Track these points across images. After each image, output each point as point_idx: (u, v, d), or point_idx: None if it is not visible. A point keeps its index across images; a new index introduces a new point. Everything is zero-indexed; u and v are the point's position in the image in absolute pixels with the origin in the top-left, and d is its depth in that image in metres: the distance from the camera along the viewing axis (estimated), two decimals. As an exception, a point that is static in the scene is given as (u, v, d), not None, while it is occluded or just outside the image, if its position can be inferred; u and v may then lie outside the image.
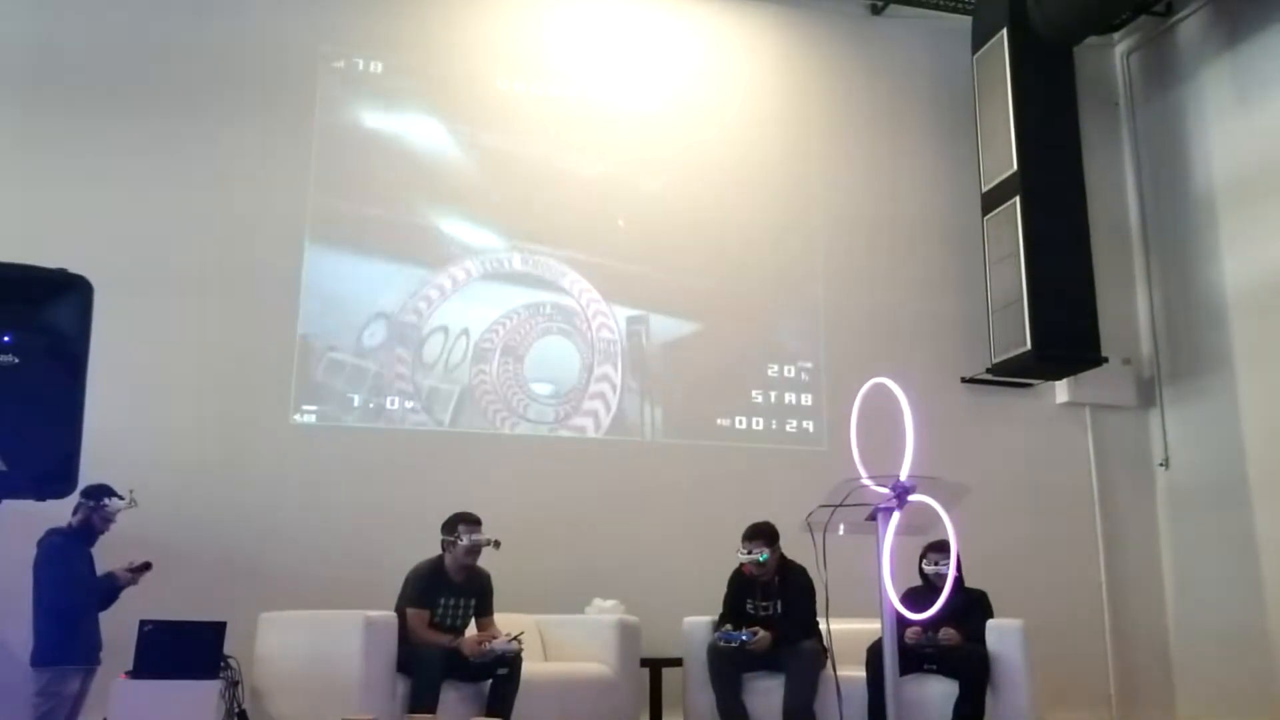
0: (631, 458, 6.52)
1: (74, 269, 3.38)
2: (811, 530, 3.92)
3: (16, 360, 3.21)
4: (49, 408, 3.26)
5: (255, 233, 6.21)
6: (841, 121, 7.52)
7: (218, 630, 3.76)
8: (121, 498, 4.54)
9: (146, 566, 4.58)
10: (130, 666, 3.75)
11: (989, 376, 7.18)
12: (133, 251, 5.87)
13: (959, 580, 5.11)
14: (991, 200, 7.21)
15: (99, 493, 4.50)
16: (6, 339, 3.19)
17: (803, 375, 7.00)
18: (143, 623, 3.71)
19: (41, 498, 3.25)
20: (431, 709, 4.22)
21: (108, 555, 4.68)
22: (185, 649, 3.70)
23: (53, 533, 4.48)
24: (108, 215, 5.93)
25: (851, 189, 7.40)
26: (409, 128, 6.67)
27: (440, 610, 4.82)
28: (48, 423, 3.24)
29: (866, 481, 3.75)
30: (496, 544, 4.86)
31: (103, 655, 4.38)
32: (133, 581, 4.56)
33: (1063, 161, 7.12)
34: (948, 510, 3.64)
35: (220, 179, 6.21)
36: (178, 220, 6.08)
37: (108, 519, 4.55)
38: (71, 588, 4.38)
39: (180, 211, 6.09)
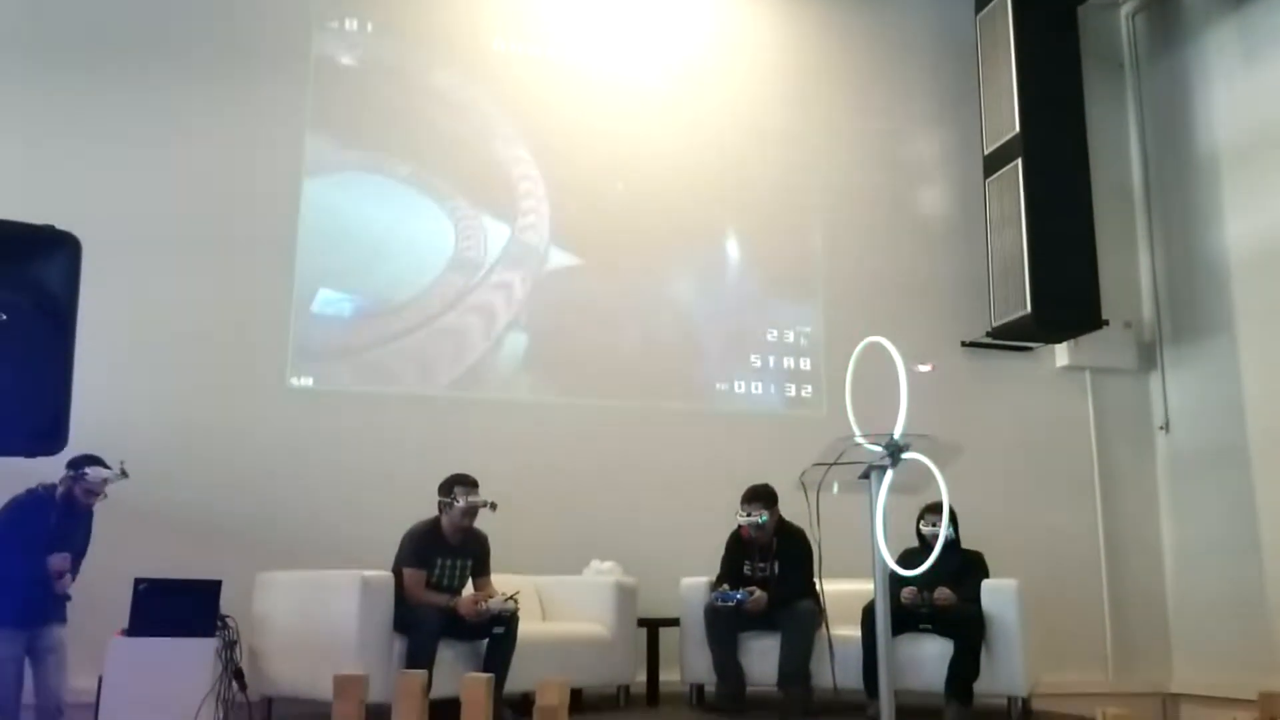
0: (630, 421, 6.51)
1: (68, 229, 3.36)
2: (805, 489, 3.92)
3: (3, 317, 3.20)
4: (37, 365, 3.24)
5: (251, 195, 6.17)
6: (842, 82, 7.45)
7: (213, 588, 3.76)
8: (108, 467, 4.37)
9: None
10: (126, 624, 3.76)
11: (989, 340, 7.16)
12: (128, 212, 5.84)
13: (955, 541, 5.13)
14: (993, 162, 7.15)
15: (81, 463, 4.32)
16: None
17: (802, 340, 6.98)
18: (138, 581, 3.71)
19: (31, 454, 3.25)
20: (427, 667, 4.23)
21: (105, 524, 4.68)
22: (181, 607, 3.71)
23: (27, 492, 4.34)
24: (103, 176, 5.89)
25: (852, 150, 7.35)
26: (404, 89, 6.61)
27: (437, 570, 4.84)
28: (36, 380, 3.23)
29: (860, 440, 3.73)
30: (493, 506, 4.87)
31: (97, 615, 4.33)
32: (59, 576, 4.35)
33: (1065, 123, 7.05)
34: (941, 469, 3.63)
35: (215, 141, 6.17)
36: (174, 182, 6.05)
37: (91, 490, 4.35)
38: (14, 549, 4.21)
39: (176, 174, 6.06)
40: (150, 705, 3.50)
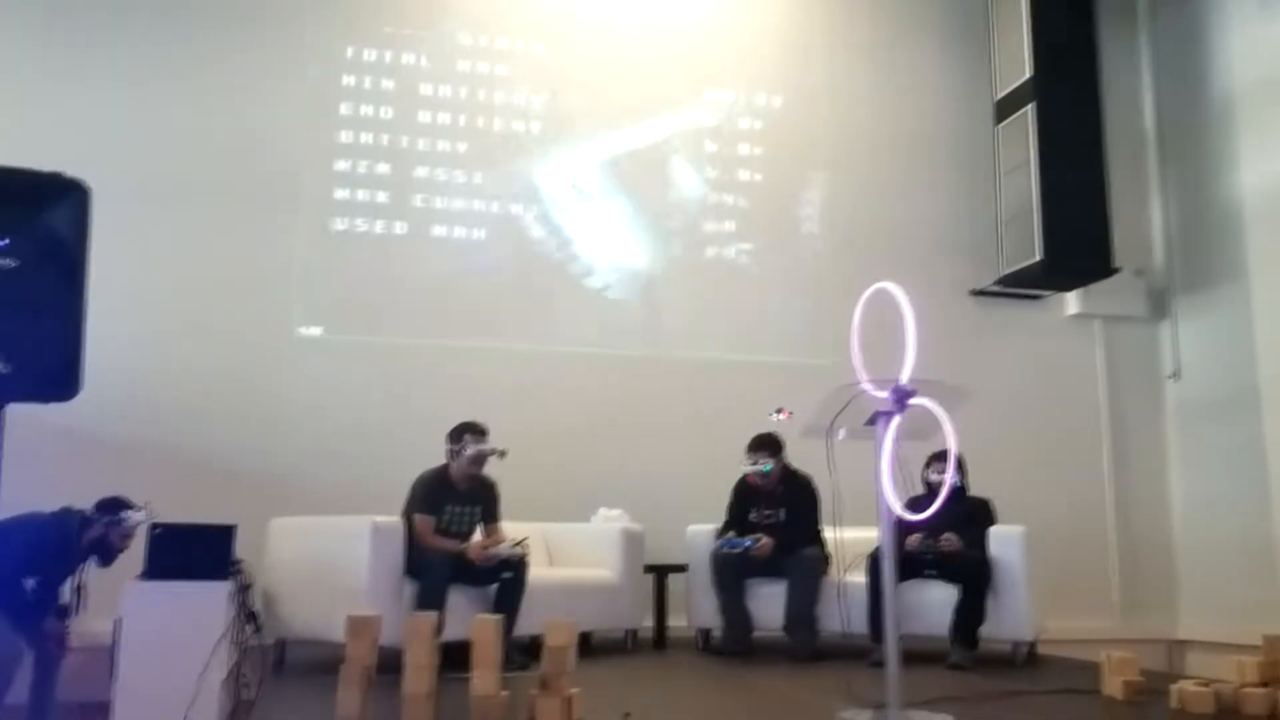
0: (638, 370, 6.53)
1: (86, 179, 3.37)
2: (816, 436, 3.91)
3: (15, 263, 3.22)
4: (50, 311, 3.27)
5: (264, 146, 6.19)
6: (848, 25, 7.35)
7: (227, 533, 3.79)
8: (140, 509, 4.13)
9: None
10: (141, 570, 3.81)
11: (998, 288, 7.12)
12: (143, 163, 5.88)
13: (962, 489, 5.15)
14: (1004, 108, 7.07)
15: (115, 506, 4.10)
16: (5, 242, 3.20)
17: (809, 288, 6.95)
18: (153, 525, 3.74)
19: (45, 400, 3.29)
20: (438, 611, 4.28)
21: (122, 470, 4.71)
22: (196, 551, 3.72)
23: (55, 518, 4.09)
24: (118, 127, 5.91)
25: (860, 96, 7.27)
26: (416, 34, 6.56)
27: (446, 517, 4.88)
28: (48, 326, 3.26)
29: (866, 386, 3.73)
30: (502, 453, 4.90)
31: (114, 564, 4.37)
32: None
33: (1079, 68, 6.95)
34: (949, 415, 3.63)
35: (229, 92, 6.18)
36: (188, 132, 6.06)
37: (128, 535, 4.11)
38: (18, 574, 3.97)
39: (191, 124, 6.08)
40: (166, 647, 3.53)
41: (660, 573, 5.74)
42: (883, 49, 7.38)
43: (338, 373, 6.06)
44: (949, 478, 3.79)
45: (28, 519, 4.19)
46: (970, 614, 4.93)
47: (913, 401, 3.66)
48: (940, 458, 5.08)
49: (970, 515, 5.14)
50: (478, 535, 4.97)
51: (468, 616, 3.98)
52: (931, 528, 4.87)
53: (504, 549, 4.72)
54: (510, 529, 5.02)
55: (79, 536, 4.15)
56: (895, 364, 3.64)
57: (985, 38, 7.29)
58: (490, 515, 5.04)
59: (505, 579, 4.73)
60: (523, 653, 4.59)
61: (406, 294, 6.30)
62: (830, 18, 7.34)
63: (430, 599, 4.45)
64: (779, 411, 4.22)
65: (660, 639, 5.69)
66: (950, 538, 5.01)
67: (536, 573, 4.91)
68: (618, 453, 6.25)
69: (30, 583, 4.14)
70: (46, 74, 5.91)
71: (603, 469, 6.15)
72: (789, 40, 7.23)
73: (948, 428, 3.64)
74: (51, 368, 3.27)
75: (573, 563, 5.50)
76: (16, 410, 3.35)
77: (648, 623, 5.66)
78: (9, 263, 3.21)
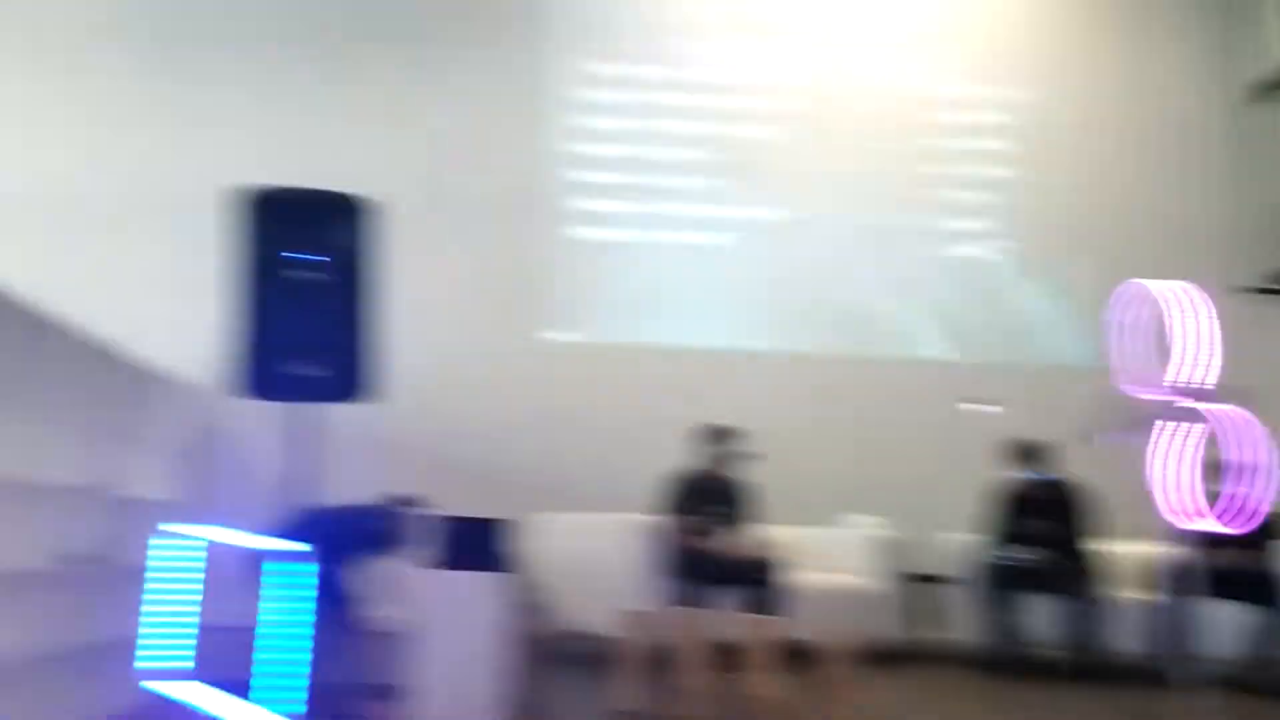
0: (895, 376, 6.40)
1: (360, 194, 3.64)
2: (1086, 443, 3.76)
3: (327, 278, 3.53)
4: (354, 321, 3.57)
5: (522, 159, 6.45)
6: (1096, 13, 6.97)
7: (509, 527, 3.95)
8: (421, 504, 4.39)
9: None
10: (429, 561, 4.03)
11: (1270, 285, 6.55)
12: (415, 179, 6.11)
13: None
14: (1267, 92, 6.53)
15: (400, 501, 4.40)
16: (320, 258, 3.51)
17: (1063, 285, 6.64)
18: (439, 518, 3.96)
19: (352, 401, 3.60)
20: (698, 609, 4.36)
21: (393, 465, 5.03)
22: (478, 544, 3.89)
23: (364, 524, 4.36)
24: (393, 144, 6.30)
25: (1108, 86, 6.86)
26: (654, 45, 6.70)
27: (699, 517, 4.94)
28: (355, 335, 3.56)
29: (1153, 390, 3.54)
30: (755, 456, 4.93)
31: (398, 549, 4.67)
32: None
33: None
34: (1252, 422, 3.41)
35: (489, 105, 6.49)
36: (454, 147, 6.40)
37: (412, 528, 4.34)
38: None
39: (455, 139, 6.42)
40: (451, 634, 3.72)
41: (919, 582, 5.59)
42: (1133, 34, 6.96)
43: (594, 376, 6.23)
44: (1252, 490, 3.54)
45: (323, 510, 4.55)
46: (1273, 635, 4.54)
47: (1206, 407, 3.46)
48: (1236, 466, 4.68)
49: (1271, 531, 4.71)
50: (731, 536, 5.00)
51: (727, 617, 4.03)
52: (1230, 543, 4.47)
53: (756, 550, 4.74)
54: (761, 532, 5.03)
55: (369, 528, 4.45)
56: (1155, 366, 3.44)
57: (1241, 17, 6.78)
58: (742, 516, 5.07)
59: (758, 580, 4.75)
60: (782, 657, 4.60)
61: (659, 299, 6.45)
62: (1077, 8, 7.01)
63: (686, 597, 4.54)
64: (978, 403, 4.00)
65: (919, 651, 5.52)
66: (1251, 555, 4.62)
67: (790, 576, 4.89)
68: (875, 457, 6.12)
69: (325, 570, 4.50)
70: (338, 98, 6.41)
71: (858, 474, 6.05)
72: (1039, 32, 6.94)
73: (1247, 435, 3.42)
74: (359, 373, 3.58)
75: (826, 568, 5.42)
76: (310, 410, 3.65)
77: (907, 634, 5.50)
78: (322, 277, 3.53)
